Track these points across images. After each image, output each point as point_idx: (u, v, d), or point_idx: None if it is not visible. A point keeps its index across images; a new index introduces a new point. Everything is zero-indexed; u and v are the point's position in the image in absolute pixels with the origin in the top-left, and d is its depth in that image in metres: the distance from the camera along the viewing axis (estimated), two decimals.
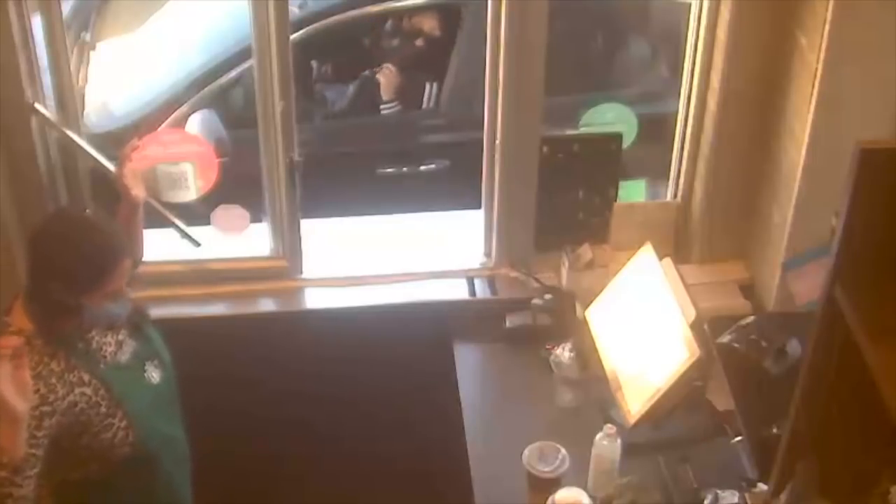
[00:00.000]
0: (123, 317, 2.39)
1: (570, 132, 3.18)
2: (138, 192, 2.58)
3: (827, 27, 2.52)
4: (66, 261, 2.22)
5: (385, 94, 4.32)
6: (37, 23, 2.80)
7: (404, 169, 4.18)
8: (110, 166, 2.87)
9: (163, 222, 3.00)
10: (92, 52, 4.26)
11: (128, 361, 2.43)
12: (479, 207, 3.21)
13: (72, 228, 2.26)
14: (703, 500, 2.52)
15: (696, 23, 2.95)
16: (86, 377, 2.31)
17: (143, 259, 2.71)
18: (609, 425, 2.57)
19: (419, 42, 4.35)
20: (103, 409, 2.33)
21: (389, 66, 4.34)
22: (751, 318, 2.86)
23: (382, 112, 4.34)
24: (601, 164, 3.15)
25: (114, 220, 2.53)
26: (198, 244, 3.08)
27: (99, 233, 2.25)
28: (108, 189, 2.70)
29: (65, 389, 2.27)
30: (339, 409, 3.22)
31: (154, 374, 2.48)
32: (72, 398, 2.28)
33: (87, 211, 2.34)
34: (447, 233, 3.39)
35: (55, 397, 2.24)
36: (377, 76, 4.34)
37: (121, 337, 2.44)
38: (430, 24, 4.33)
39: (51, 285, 2.24)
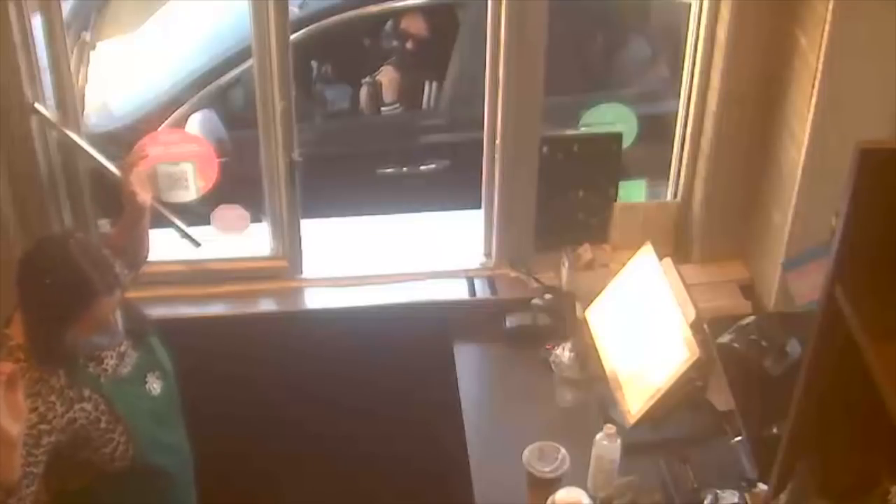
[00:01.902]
0: (113, 346, 2.37)
1: (570, 132, 3.18)
2: (145, 196, 2.54)
3: (827, 27, 2.52)
4: (42, 294, 2.20)
5: (387, 96, 4.32)
6: (37, 23, 2.80)
7: (404, 169, 4.18)
8: (111, 166, 2.87)
9: (163, 222, 3.00)
10: (92, 52, 4.26)
11: (129, 374, 2.42)
12: (479, 207, 3.21)
13: (49, 262, 2.21)
14: (703, 500, 2.52)
15: (696, 23, 2.95)
16: (86, 392, 2.30)
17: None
18: (609, 425, 2.57)
19: (409, 45, 4.35)
20: (103, 425, 2.32)
21: (390, 68, 4.35)
22: (751, 318, 2.86)
23: (383, 113, 4.34)
24: (601, 164, 3.14)
25: (107, 238, 2.52)
26: (198, 244, 3.08)
27: (75, 269, 2.19)
28: (108, 190, 2.70)
29: (64, 407, 2.25)
30: (339, 408, 3.22)
31: (155, 386, 2.46)
32: (71, 415, 2.27)
33: (72, 241, 2.27)
34: (447, 233, 3.39)
35: (54, 415, 2.23)
36: (377, 78, 4.34)
37: (123, 349, 2.42)
38: (417, 26, 4.32)
39: (30, 314, 2.24)
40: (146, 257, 2.67)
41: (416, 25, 4.32)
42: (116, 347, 2.40)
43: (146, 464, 2.41)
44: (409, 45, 4.36)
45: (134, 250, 2.57)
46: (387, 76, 4.33)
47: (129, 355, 2.43)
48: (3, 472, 2.08)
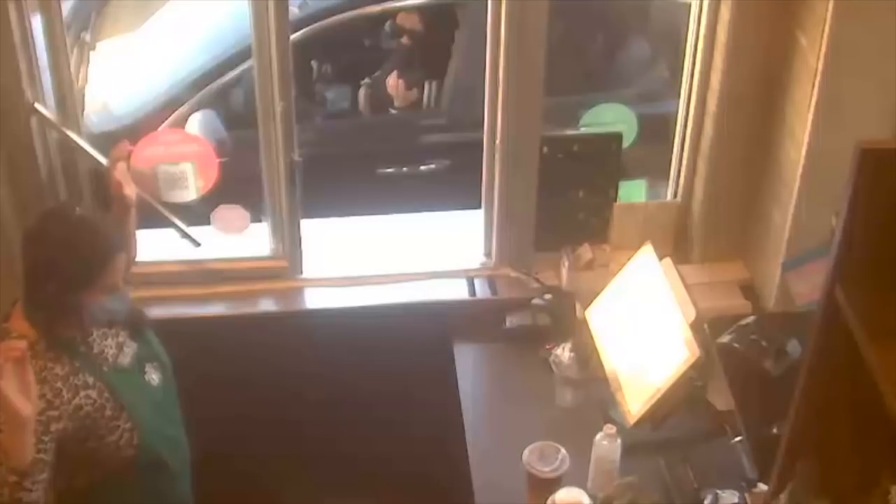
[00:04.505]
0: (123, 312, 2.39)
1: (570, 132, 3.18)
2: (130, 191, 2.58)
3: (827, 27, 2.52)
4: (60, 261, 2.22)
5: (397, 100, 4.33)
6: (37, 23, 2.80)
7: (404, 169, 4.19)
8: None
9: (163, 222, 3.00)
10: (92, 52, 4.26)
11: (129, 364, 2.43)
12: (479, 207, 3.21)
13: (62, 228, 2.24)
14: (703, 500, 2.53)
15: (696, 23, 2.95)
16: (90, 380, 2.31)
17: (138, 259, 2.70)
18: (609, 425, 2.57)
19: (404, 40, 4.35)
20: (108, 412, 2.33)
21: (401, 76, 4.34)
22: (751, 318, 2.86)
23: (390, 113, 4.35)
24: (601, 164, 3.14)
25: (106, 216, 2.53)
26: (198, 244, 3.07)
27: (90, 230, 2.25)
28: (108, 190, 2.70)
29: (70, 393, 2.26)
30: (339, 409, 3.22)
31: (154, 376, 2.48)
32: (77, 401, 2.28)
33: (77, 209, 2.32)
34: (447, 233, 3.39)
35: (61, 401, 2.24)
36: (386, 80, 4.34)
37: (121, 339, 2.44)
38: (412, 22, 4.32)
39: (47, 286, 2.24)
40: (135, 257, 2.67)
41: (411, 21, 4.32)
42: (115, 338, 2.41)
43: (150, 454, 2.42)
44: (404, 40, 4.36)
45: None
46: (395, 79, 4.33)
47: (129, 345, 2.45)
48: (15, 454, 2.10)
